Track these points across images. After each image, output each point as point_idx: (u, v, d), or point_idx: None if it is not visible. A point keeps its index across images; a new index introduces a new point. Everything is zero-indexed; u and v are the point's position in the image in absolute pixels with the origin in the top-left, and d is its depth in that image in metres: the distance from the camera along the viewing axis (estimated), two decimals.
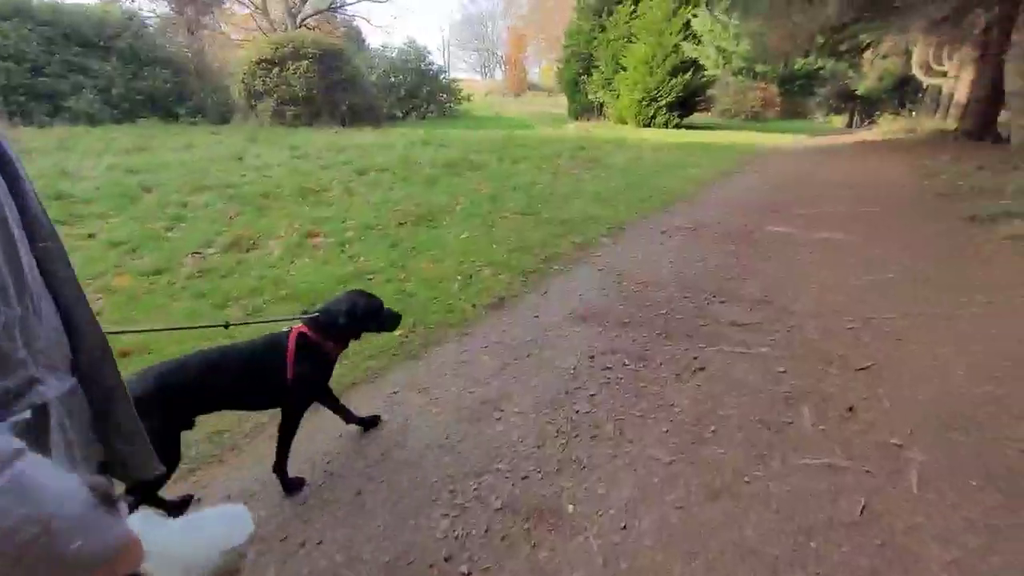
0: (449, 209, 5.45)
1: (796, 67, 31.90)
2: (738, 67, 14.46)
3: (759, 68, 14.27)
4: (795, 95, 38.80)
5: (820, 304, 3.11)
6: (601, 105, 23.28)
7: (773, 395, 2.16)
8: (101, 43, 15.66)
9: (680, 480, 1.69)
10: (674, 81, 19.14)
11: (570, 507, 1.59)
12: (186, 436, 1.55)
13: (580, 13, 23.00)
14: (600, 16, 21.71)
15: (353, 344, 1.81)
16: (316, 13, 30.15)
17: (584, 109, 24.70)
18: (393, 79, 23.77)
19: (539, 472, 1.74)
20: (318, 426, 1.98)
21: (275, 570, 1.42)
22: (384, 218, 5.04)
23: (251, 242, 4.29)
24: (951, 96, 18.81)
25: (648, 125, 20.49)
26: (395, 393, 2.26)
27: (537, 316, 3.09)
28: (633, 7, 20.56)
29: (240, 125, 15.36)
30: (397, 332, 2.44)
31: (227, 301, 3.17)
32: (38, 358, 0.55)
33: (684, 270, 3.89)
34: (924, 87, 23.84)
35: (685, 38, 17.99)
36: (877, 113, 32.71)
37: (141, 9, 21.34)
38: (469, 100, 26.78)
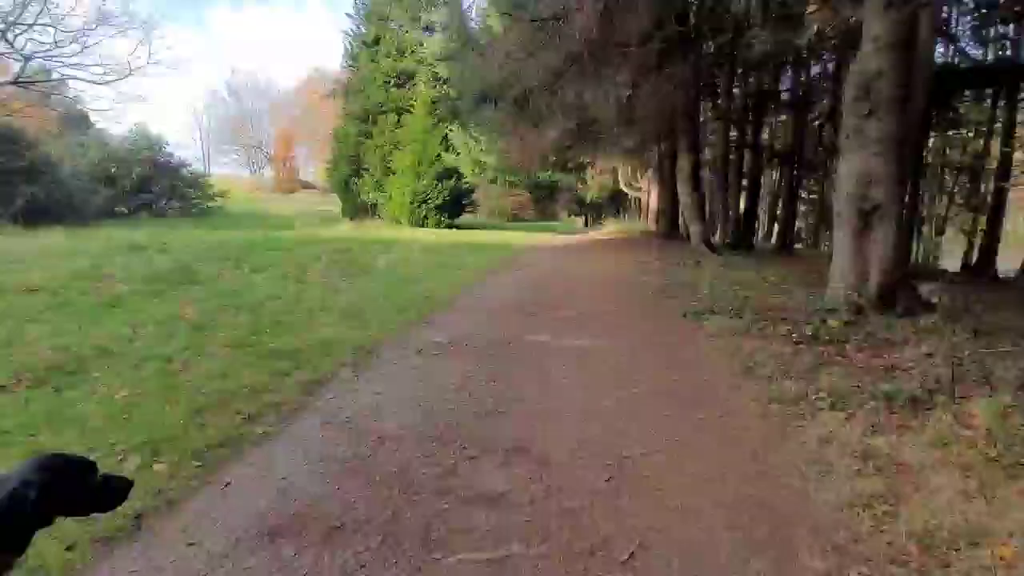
0: (114, 351, 3.82)
1: (540, 178, 38.34)
2: (492, 176, 16.02)
3: (509, 177, 16.05)
4: (544, 200, 46.37)
5: (579, 443, 2.74)
6: (375, 205, 23.30)
7: None
8: None
9: None
10: (440, 186, 20.38)
11: None
12: None
13: (346, 119, 23.29)
14: (366, 123, 22.31)
15: None
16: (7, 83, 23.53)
17: (359, 209, 24.36)
18: (114, 170, 19.59)
19: None
20: None
21: None
22: None
23: None
24: (648, 205, 24.64)
25: (421, 225, 21.09)
26: None
27: (193, 543, 1.92)
28: (397, 118, 21.75)
29: None
30: None
31: None
32: None
33: (435, 406, 3.23)
34: (629, 198, 30.94)
35: (446, 149, 19.55)
36: (603, 216, 41.08)
37: None
38: (224, 197, 23.79)
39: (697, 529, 2.03)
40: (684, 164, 11.20)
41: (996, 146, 14.72)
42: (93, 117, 24.69)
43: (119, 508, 1.01)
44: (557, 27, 4.79)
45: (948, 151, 15.45)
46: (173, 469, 2.40)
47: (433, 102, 20.50)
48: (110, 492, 0.97)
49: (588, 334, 4.90)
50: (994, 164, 16.00)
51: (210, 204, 23.65)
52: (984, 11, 12.23)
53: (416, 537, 1.95)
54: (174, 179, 21.78)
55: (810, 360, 3.58)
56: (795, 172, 15.47)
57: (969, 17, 12.69)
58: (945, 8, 11.12)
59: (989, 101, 14.48)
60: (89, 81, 19.26)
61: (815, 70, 12.96)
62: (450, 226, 21.48)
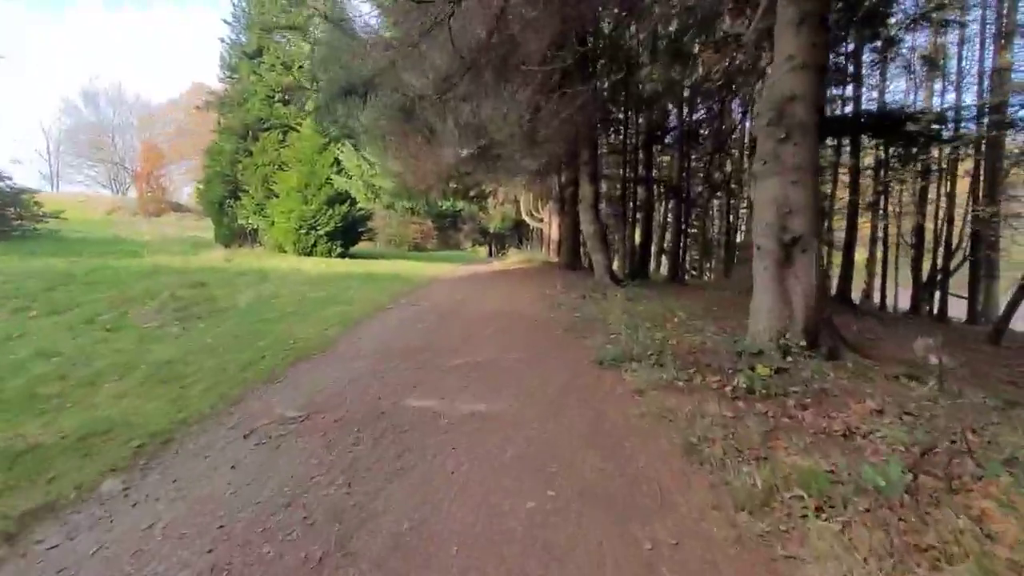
0: None
1: (443, 206, 37.55)
2: (387, 202, 14.80)
3: (407, 204, 14.95)
4: (447, 229, 45.56)
5: None
6: (255, 231, 20.69)
7: None
8: None
9: None
10: (332, 211, 18.60)
11: None
12: None
13: (222, 134, 20.66)
14: (245, 140, 19.91)
15: None
16: None
17: (236, 235, 21.50)
18: None
19: None
20: None
21: None
22: None
23: None
24: (549, 236, 24.78)
25: (309, 254, 19.03)
26: None
27: None
28: (282, 135, 19.69)
29: None
30: None
31: None
32: None
33: (242, 552, 2.02)
34: (531, 229, 31.17)
35: (338, 172, 17.92)
36: (507, 245, 41.21)
37: None
38: (58, 217, 19.71)
39: None
40: (586, 193, 10.95)
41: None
42: None
43: None
44: (447, 25, 4.01)
45: None
46: None
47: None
48: None
49: (489, 393, 3.94)
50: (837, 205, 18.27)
51: (38, 226, 19.39)
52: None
53: None
54: None
55: (757, 426, 2.94)
56: (682, 207, 16.20)
57: None
58: None
59: (831, 150, 16.50)
60: None
61: (701, 111, 13.70)
62: (343, 255, 19.65)
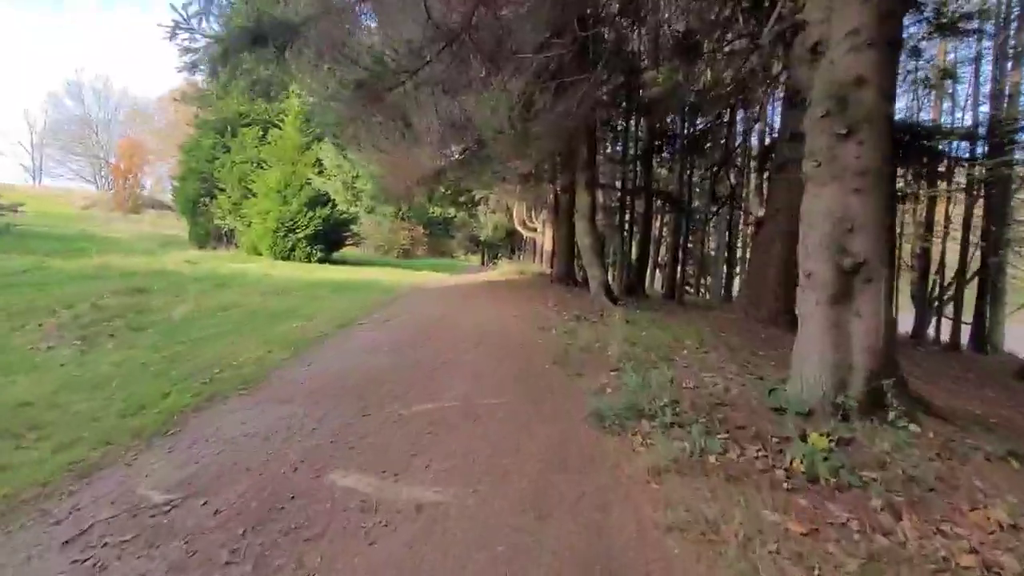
0: None
1: (433, 213, 36.55)
2: (367, 205, 13.75)
3: (386, 207, 13.91)
4: (438, 236, 44.54)
5: None
6: (231, 232, 19.54)
7: None
8: None
9: None
10: (312, 213, 17.51)
11: None
12: None
13: (199, 129, 19.57)
14: (223, 135, 18.82)
15: None
16: None
17: (211, 235, 20.34)
18: None
19: None
20: None
21: None
22: None
23: None
24: (543, 246, 23.82)
25: (287, 258, 17.90)
26: None
27: None
28: (262, 132, 18.64)
29: None
30: None
31: None
32: None
33: None
34: (525, 238, 30.23)
35: (320, 172, 16.87)
36: (500, 255, 40.25)
37: None
38: (15, 211, 18.39)
39: None
40: (583, 202, 9.99)
41: None
42: None
43: None
44: None
45: None
46: None
47: (307, 119, 17.82)
48: None
49: (447, 468, 2.87)
50: None
51: None
52: None
53: None
54: None
55: (844, 554, 1.91)
56: (683, 220, 15.29)
57: None
58: None
59: None
60: None
61: (705, 120, 12.83)
62: (324, 260, 18.53)
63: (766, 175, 13.98)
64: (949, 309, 15.10)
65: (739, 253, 19.91)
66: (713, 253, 25.88)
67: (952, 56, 14.29)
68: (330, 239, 18.99)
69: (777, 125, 14.19)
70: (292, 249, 17.91)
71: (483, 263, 43.43)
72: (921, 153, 12.60)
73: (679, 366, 5.06)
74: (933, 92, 14.71)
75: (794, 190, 10.23)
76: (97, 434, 3.00)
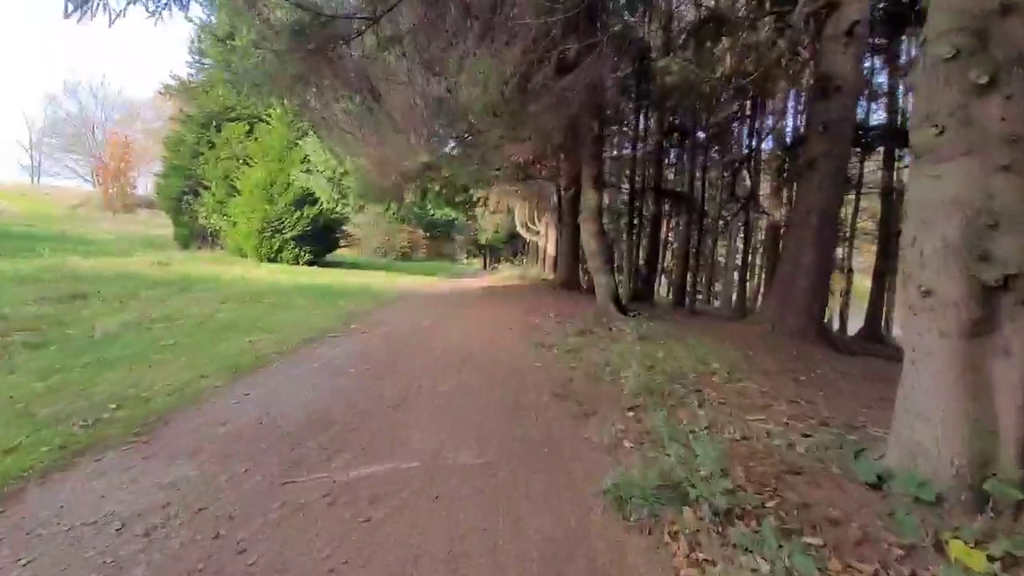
0: None
1: (433, 215, 35.56)
2: (354, 203, 12.73)
3: (372, 205, 12.89)
4: (439, 239, 43.55)
5: None
6: (217, 233, 18.53)
7: None
8: None
9: None
10: (300, 213, 16.50)
11: None
12: None
13: (183, 123, 18.61)
14: (208, 130, 17.84)
15: None
16: None
17: (196, 235, 19.36)
18: None
19: None
20: None
21: None
22: None
23: None
24: (545, 250, 22.75)
25: (274, 260, 16.90)
26: None
27: None
28: (249, 127, 17.66)
29: None
30: None
31: None
32: None
33: None
34: (527, 241, 29.18)
35: (308, 170, 15.87)
36: (501, 258, 39.24)
37: None
38: None
39: None
40: (589, 202, 8.92)
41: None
42: None
43: None
44: None
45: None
46: None
47: (296, 113, 16.81)
48: None
49: None
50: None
51: None
52: None
53: None
54: None
55: None
56: (698, 223, 14.20)
57: None
58: None
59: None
60: None
61: (726, 111, 11.75)
62: (313, 263, 17.51)
63: (784, 174, 12.92)
64: None
65: (746, 258, 18.79)
66: (722, 259, 24.78)
67: None
68: (320, 240, 17.98)
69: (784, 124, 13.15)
70: (279, 251, 16.91)
71: (485, 266, 42.41)
72: None
73: (714, 402, 3.97)
74: None
75: (827, 189, 9.17)
76: None
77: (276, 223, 16.40)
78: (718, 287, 27.25)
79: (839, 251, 16.37)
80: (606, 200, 15.28)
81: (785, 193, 13.58)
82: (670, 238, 20.55)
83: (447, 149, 7.28)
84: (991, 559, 1.81)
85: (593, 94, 6.12)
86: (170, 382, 4.05)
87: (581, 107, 5.82)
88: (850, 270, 16.97)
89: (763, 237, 19.69)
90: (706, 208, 13.10)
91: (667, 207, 15.13)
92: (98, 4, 3.17)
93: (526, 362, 5.33)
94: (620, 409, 3.74)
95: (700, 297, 20.89)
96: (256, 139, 17.16)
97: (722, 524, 2.09)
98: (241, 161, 17.08)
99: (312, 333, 6.57)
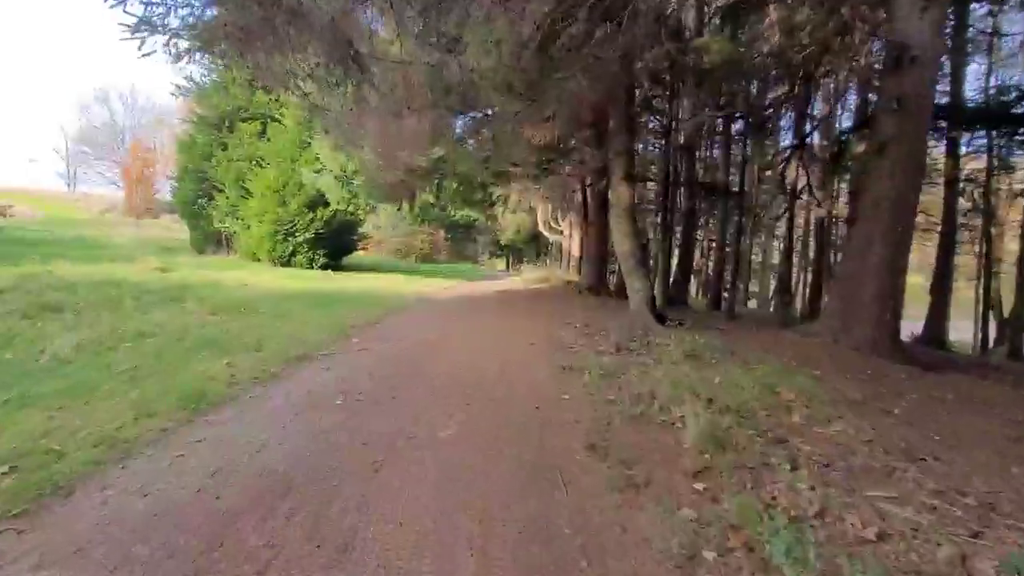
0: None
1: (454, 216, 34.81)
2: (363, 202, 11.92)
3: (382, 204, 12.05)
4: (460, 240, 42.82)
5: None
6: (231, 237, 18.08)
7: None
8: None
9: None
10: (313, 215, 15.85)
11: None
12: None
13: (195, 125, 18.21)
14: (220, 131, 17.38)
15: None
16: None
17: (211, 240, 18.97)
18: None
19: None
20: None
21: None
22: None
23: None
24: (569, 250, 21.66)
25: (287, 264, 16.30)
26: None
27: None
28: (262, 127, 17.12)
29: None
30: None
31: None
32: None
33: None
34: (550, 241, 28.11)
35: (318, 170, 15.19)
36: (524, 259, 38.24)
37: None
38: (4, 214, 17.38)
39: None
40: (621, 196, 7.86)
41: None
42: None
43: None
44: None
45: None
46: None
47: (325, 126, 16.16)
48: None
49: None
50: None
51: None
52: None
53: None
54: None
55: None
56: (740, 219, 12.91)
57: None
58: None
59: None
60: None
61: (776, 92, 10.44)
62: (328, 266, 16.85)
63: (838, 163, 11.54)
64: None
65: (789, 256, 17.26)
66: (756, 257, 23.20)
67: None
68: (335, 243, 17.32)
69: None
70: (292, 254, 16.31)
71: (507, 268, 41.45)
72: None
73: (810, 462, 2.89)
74: None
75: (900, 176, 7.88)
76: None
77: (289, 226, 15.79)
78: (753, 287, 25.66)
79: None
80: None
81: (838, 184, 12.21)
82: (698, 236, 19.22)
83: (456, 134, 6.32)
84: None
85: (629, 65, 5.07)
86: (102, 427, 3.19)
87: (616, 77, 4.77)
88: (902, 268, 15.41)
89: (799, 233, 18.19)
90: (749, 202, 11.82)
91: (701, 203, 13.88)
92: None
93: (551, 392, 4.32)
94: (684, 475, 2.70)
95: (732, 298, 19.47)
96: (268, 139, 16.59)
97: None
98: (254, 162, 16.54)
99: (303, 349, 5.72)
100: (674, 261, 14.68)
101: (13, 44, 71.54)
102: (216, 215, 17.44)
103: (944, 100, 12.59)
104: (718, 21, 10.10)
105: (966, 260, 15.80)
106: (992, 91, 11.76)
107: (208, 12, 2.98)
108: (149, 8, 2.91)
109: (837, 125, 12.82)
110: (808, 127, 10.93)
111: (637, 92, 8.45)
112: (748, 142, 11.43)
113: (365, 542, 2.13)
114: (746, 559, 1.93)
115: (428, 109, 5.24)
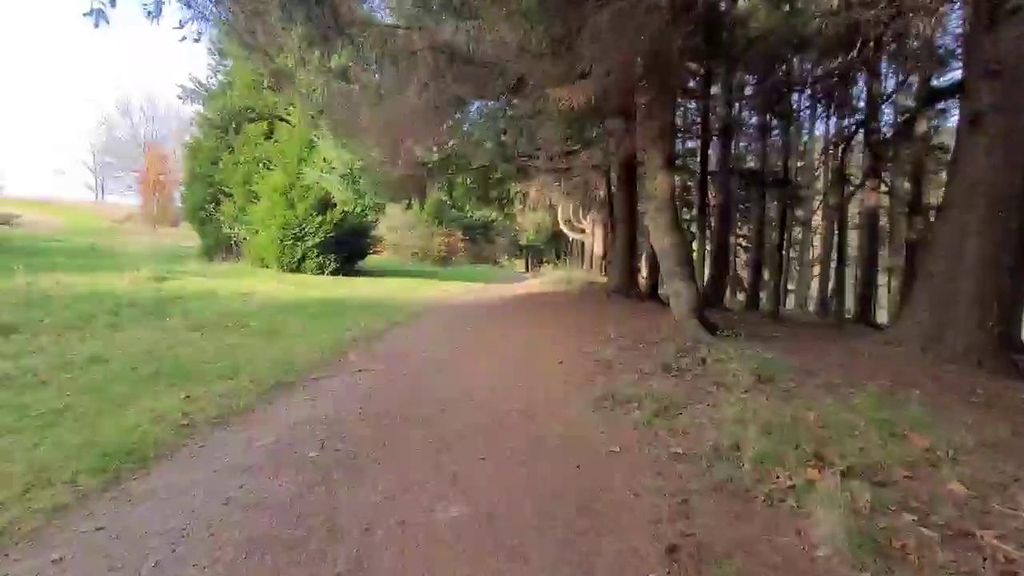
0: None
1: (472, 217, 33.91)
2: (368, 201, 11.02)
3: (383, 200, 11.16)
4: (478, 241, 41.89)
5: None
6: (240, 242, 17.43)
7: None
8: None
9: None
10: (321, 218, 15.05)
11: None
12: None
13: (201, 127, 17.65)
14: (227, 133, 16.75)
15: None
16: None
17: (221, 246, 18.37)
18: None
19: None
20: None
21: None
22: None
23: None
24: (592, 249, 20.49)
25: (297, 270, 15.54)
26: None
27: None
28: (268, 128, 16.43)
29: None
30: None
31: None
32: None
33: None
34: (570, 240, 26.96)
35: (325, 169, 14.36)
36: (544, 259, 37.14)
37: None
38: (10, 224, 17.06)
39: None
40: (661, 186, 6.75)
41: None
42: None
43: None
44: None
45: None
46: None
47: (319, 110, 15.38)
48: None
49: None
50: None
51: None
52: None
53: None
54: None
55: None
56: (785, 209, 11.58)
57: None
58: None
59: None
60: None
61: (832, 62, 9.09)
62: (338, 271, 16.05)
63: (899, 144, 10.13)
64: None
65: (842, 252, 15.74)
66: (786, 252, 21.55)
67: None
68: (347, 247, 16.49)
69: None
70: (302, 259, 15.53)
71: (527, 268, 40.37)
72: None
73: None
74: None
75: (1000, 155, 6.56)
76: None
77: (297, 230, 15.03)
78: (792, 285, 23.96)
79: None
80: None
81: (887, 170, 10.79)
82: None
83: (469, 116, 5.30)
84: None
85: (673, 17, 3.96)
86: None
87: (670, 20, 3.67)
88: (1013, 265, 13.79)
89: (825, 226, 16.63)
90: (793, 191, 10.50)
91: (741, 192, 12.59)
92: None
93: (593, 439, 3.24)
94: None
95: (776, 299, 18.02)
96: (275, 141, 15.89)
97: None
98: (261, 164, 15.84)
99: (288, 375, 4.77)
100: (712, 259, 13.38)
101: (44, 57, 73.65)
102: (224, 221, 16.81)
103: None
104: None
105: None
106: None
107: None
108: None
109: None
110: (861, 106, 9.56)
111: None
112: (792, 125, 10.13)
113: None
114: None
115: (431, 82, 4.23)
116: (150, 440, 3.10)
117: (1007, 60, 6.21)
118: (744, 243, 18.80)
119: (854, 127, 9.07)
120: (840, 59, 7.58)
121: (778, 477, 2.50)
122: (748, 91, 10.39)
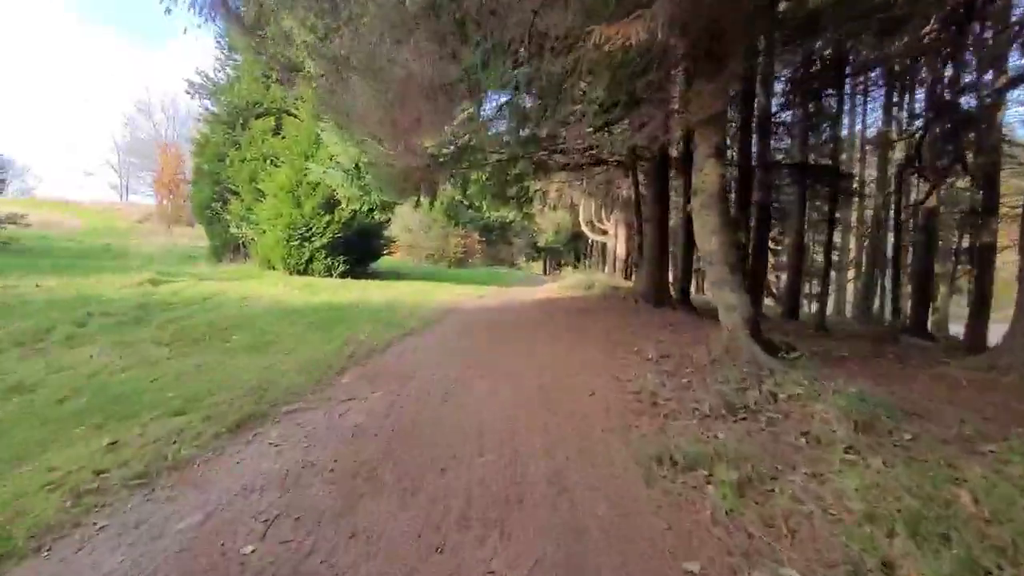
0: None
1: (489, 218, 32.99)
2: (375, 199, 10.15)
3: (388, 198, 10.29)
4: (495, 242, 40.97)
5: None
6: (247, 243, 16.79)
7: None
8: None
9: None
10: (329, 217, 14.27)
11: None
12: None
13: (208, 123, 17.07)
14: (233, 129, 16.11)
15: None
16: None
17: (228, 247, 17.80)
18: None
19: None
20: None
21: None
22: None
23: None
24: (615, 251, 19.36)
25: (304, 272, 14.80)
26: None
27: None
28: (276, 123, 15.73)
29: None
30: None
31: None
32: None
33: None
34: (591, 242, 25.83)
35: (328, 165, 13.55)
36: (563, 262, 36.01)
37: None
38: (16, 223, 16.58)
39: None
40: (709, 178, 5.72)
41: None
42: None
43: None
44: None
45: None
46: None
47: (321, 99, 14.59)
48: None
49: None
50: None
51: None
52: None
53: None
54: None
55: None
56: (833, 209, 10.32)
57: None
58: None
59: None
60: None
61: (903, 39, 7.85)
62: (347, 274, 15.24)
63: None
64: None
65: (898, 257, 14.32)
66: (817, 257, 20.09)
67: None
68: (358, 248, 15.69)
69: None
70: (309, 261, 14.77)
71: (545, 271, 39.30)
72: None
73: None
74: None
75: None
76: None
77: (303, 230, 14.27)
78: (818, 290, 22.44)
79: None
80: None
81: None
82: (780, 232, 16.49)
83: (482, 98, 4.36)
84: None
85: None
86: None
87: None
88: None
89: (866, 228, 15.15)
90: (849, 186, 9.26)
91: (787, 189, 11.36)
92: None
93: (654, 546, 2.21)
94: None
95: (822, 308, 16.59)
96: (283, 136, 15.18)
97: None
98: (268, 161, 15.15)
99: (259, 406, 3.86)
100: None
101: (72, 61, 75.27)
102: (231, 220, 16.17)
103: None
104: None
105: None
106: None
107: None
108: None
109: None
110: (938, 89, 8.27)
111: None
112: (852, 111, 8.91)
113: None
114: None
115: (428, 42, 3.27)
116: (23, 523, 2.20)
117: None
118: (774, 245, 17.46)
119: (931, 115, 7.81)
120: (910, 37, 6.33)
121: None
122: (795, 75, 9.21)
